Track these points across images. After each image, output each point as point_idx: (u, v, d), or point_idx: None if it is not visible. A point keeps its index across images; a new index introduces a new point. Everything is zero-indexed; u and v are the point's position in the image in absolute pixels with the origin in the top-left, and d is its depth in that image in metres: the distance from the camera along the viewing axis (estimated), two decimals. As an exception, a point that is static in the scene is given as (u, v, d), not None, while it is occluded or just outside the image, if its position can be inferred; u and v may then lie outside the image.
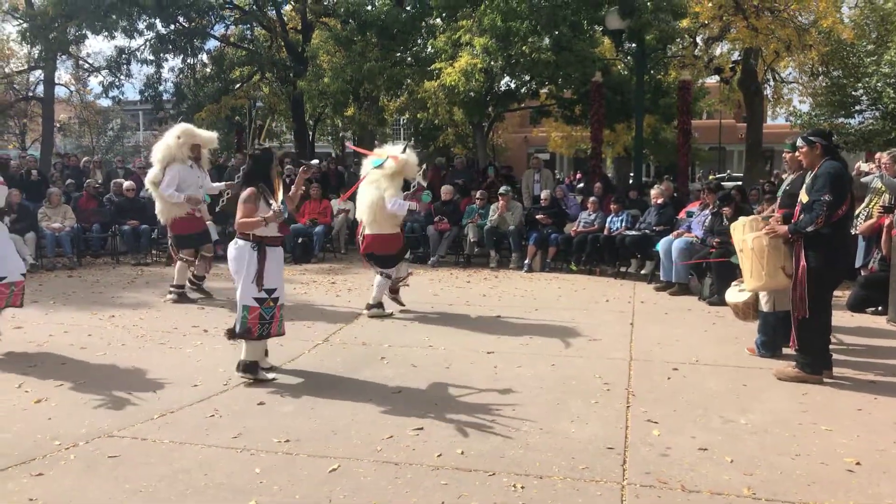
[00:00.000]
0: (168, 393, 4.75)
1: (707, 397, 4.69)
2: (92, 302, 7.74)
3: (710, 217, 8.08)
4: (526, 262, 10.08)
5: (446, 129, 18.76)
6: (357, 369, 5.32)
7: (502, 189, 10.77)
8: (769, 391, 4.82)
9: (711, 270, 7.66)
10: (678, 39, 13.78)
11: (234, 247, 4.97)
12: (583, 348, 5.94)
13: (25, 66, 22.27)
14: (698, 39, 16.20)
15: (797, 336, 4.97)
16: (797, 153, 5.15)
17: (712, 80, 19.05)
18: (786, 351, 5.43)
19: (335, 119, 21.48)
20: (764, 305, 5.50)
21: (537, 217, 10.33)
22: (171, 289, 7.78)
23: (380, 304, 7.13)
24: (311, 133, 21.79)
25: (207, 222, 8.09)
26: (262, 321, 4.92)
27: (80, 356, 5.60)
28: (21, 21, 20.23)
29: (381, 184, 6.78)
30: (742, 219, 5.49)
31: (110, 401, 4.58)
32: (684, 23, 13.58)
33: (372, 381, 5.03)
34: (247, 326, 4.91)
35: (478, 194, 11.12)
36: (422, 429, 4.12)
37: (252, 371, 4.99)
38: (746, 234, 5.22)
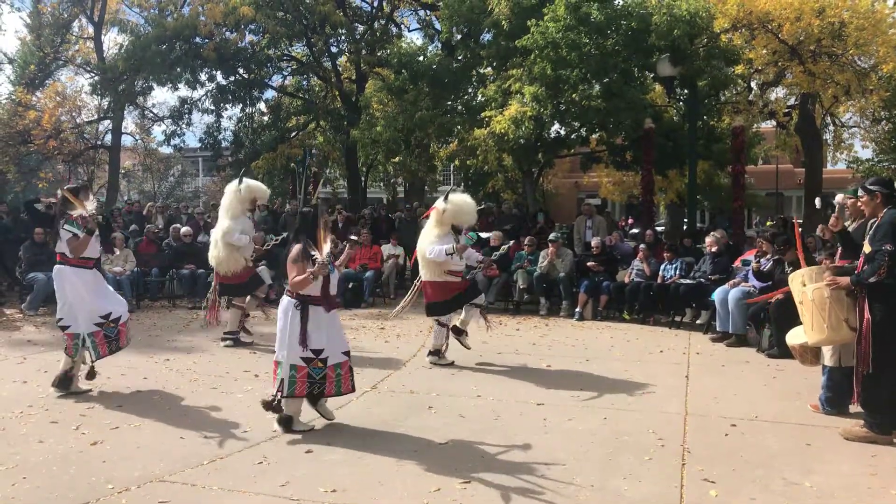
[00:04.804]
0: (218, 438, 4.80)
1: (768, 456, 4.49)
2: (148, 345, 7.93)
3: (769, 264, 7.84)
4: (577, 310, 9.93)
5: (496, 175, 18.88)
6: (405, 418, 5.28)
7: (553, 235, 10.71)
8: (835, 452, 4.58)
9: (771, 321, 7.40)
10: (731, 85, 13.63)
11: (282, 302, 4.99)
12: (636, 401, 5.78)
13: (95, 117, 23.40)
14: (752, 84, 16.00)
15: (863, 393, 4.73)
16: (858, 202, 4.99)
17: (768, 125, 18.75)
18: (853, 409, 5.17)
19: (386, 166, 21.89)
20: (828, 360, 5.27)
21: (588, 264, 10.21)
22: (225, 335, 7.93)
23: (438, 352, 7.11)
24: (363, 179, 22.25)
25: (258, 269, 8.32)
26: (311, 381, 4.88)
27: (136, 400, 5.72)
28: (93, 74, 21.42)
29: (426, 233, 6.96)
30: (801, 269, 5.30)
31: (162, 445, 4.65)
32: (738, 69, 13.44)
33: (419, 431, 4.98)
34: (294, 387, 4.86)
35: (527, 240, 11.08)
36: (469, 482, 4.04)
37: (286, 425, 4.93)
38: (807, 286, 5.05)
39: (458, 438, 4.83)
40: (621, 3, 12.62)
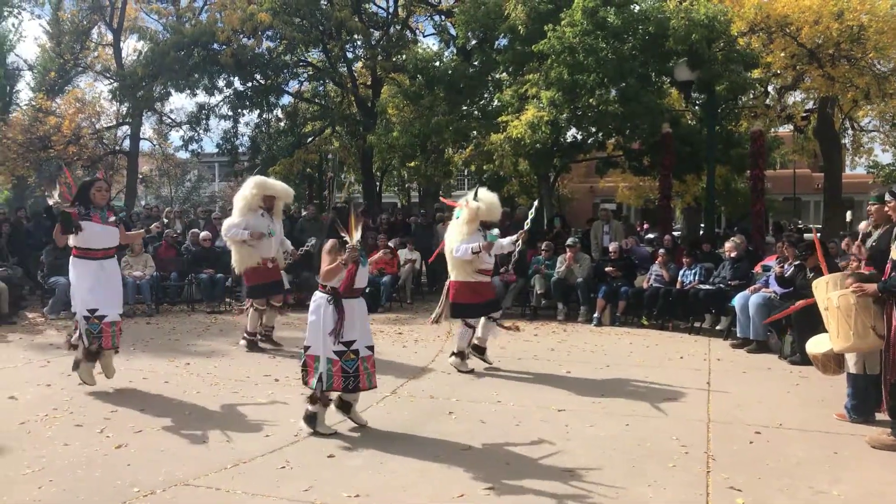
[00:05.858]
0: (240, 442, 4.81)
1: (793, 465, 4.44)
2: (169, 349, 7.98)
3: (791, 269, 7.77)
4: (595, 315, 9.88)
5: (511, 179, 18.87)
6: (425, 424, 5.27)
7: (570, 240, 10.68)
8: (862, 460, 4.53)
9: (793, 327, 7.32)
10: (749, 90, 13.53)
11: (314, 298, 5.03)
12: (657, 408, 5.73)
13: (114, 122, 23.65)
14: (770, 89, 15.90)
15: (891, 401, 4.67)
16: (886, 207, 4.94)
17: (785, 130, 18.60)
18: (880, 417, 5.10)
19: (401, 171, 21.94)
20: (853, 367, 5.21)
21: (607, 270, 10.16)
22: (245, 335, 7.96)
23: (462, 354, 7.05)
24: (378, 184, 22.30)
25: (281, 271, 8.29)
26: (346, 375, 4.92)
27: (158, 403, 5.75)
28: (112, 80, 21.66)
29: (455, 229, 6.86)
30: (825, 276, 5.24)
31: (186, 449, 4.67)
32: (756, 73, 13.35)
33: (440, 437, 4.97)
34: (332, 381, 4.90)
35: (544, 245, 11.05)
36: (493, 488, 4.03)
37: (310, 422, 5.00)
38: (831, 292, 4.99)
39: (479, 444, 4.82)
40: (638, 8, 12.58)
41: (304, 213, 13.90)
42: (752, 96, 14.61)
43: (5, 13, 24.42)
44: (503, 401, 5.93)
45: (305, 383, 5.04)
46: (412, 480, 4.15)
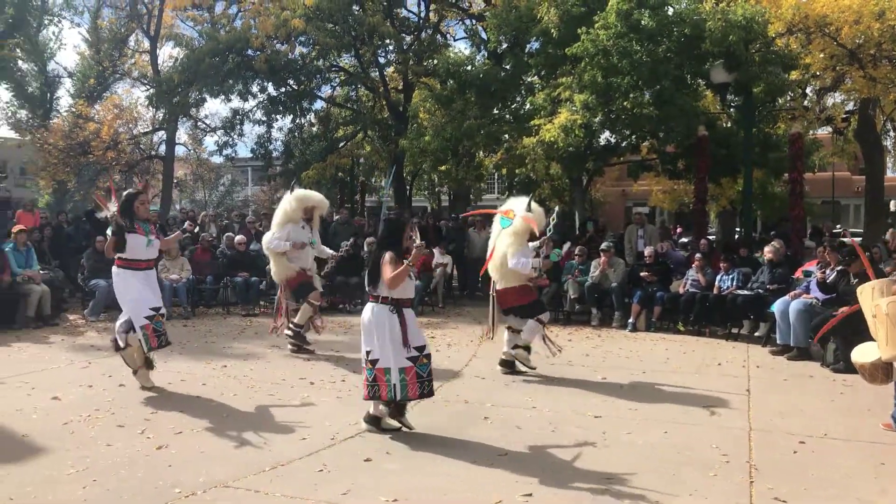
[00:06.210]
0: (278, 445, 4.84)
1: (840, 475, 4.32)
2: (206, 352, 8.08)
3: (833, 275, 7.60)
4: (630, 321, 9.77)
5: (542, 183, 18.77)
6: (461, 428, 5.25)
7: (604, 245, 10.58)
8: (912, 472, 4.39)
9: (836, 334, 7.15)
10: (787, 91, 13.29)
11: (371, 311, 4.98)
12: (696, 415, 5.64)
13: (150, 128, 24.11)
14: (808, 91, 15.60)
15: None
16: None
17: (824, 132, 18.22)
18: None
19: (431, 175, 21.99)
20: (901, 375, 5.07)
21: (641, 274, 10.04)
22: (291, 325, 7.96)
23: (528, 348, 7.00)
24: (408, 188, 22.38)
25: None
26: (420, 379, 4.94)
27: (196, 405, 5.82)
28: (148, 87, 22.08)
29: (505, 240, 6.76)
30: (872, 282, 5.11)
31: (225, 451, 4.72)
32: (794, 74, 13.10)
33: (476, 442, 4.95)
34: (406, 389, 4.92)
35: (577, 250, 10.96)
36: (531, 495, 4.00)
37: (374, 423, 5.09)
38: (879, 299, 4.86)
39: (516, 450, 4.78)
40: (673, 10, 12.44)
41: (336, 217, 13.99)
42: (790, 98, 14.35)
43: (46, 22, 25.08)
44: (538, 406, 5.88)
45: (377, 397, 4.98)
46: (449, 485, 4.14)
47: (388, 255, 4.95)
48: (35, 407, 5.64)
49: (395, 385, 4.90)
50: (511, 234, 6.75)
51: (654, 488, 4.08)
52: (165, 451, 4.66)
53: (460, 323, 10.39)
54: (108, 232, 6.12)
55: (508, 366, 7.09)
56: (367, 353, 5.00)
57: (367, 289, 5.09)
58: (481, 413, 5.68)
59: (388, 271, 4.88)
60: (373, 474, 4.32)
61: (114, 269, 6.14)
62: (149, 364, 6.27)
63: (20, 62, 23.82)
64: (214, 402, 5.94)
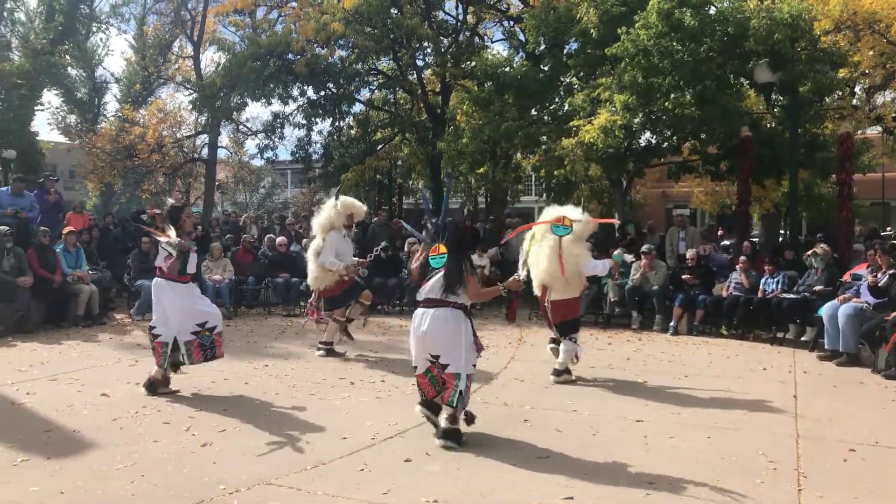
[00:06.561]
0: (319, 444, 4.89)
1: (893, 485, 4.20)
2: (248, 351, 8.21)
3: (885, 279, 7.37)
4: (671, 324, 9.62)
5: (580, 185, 18.62)
6: (500, 430, 5.23)
7: (645, 247, 10.43)
8: (971, 483, 4.23)
9: (887, 340, 6.93)
10: (836, 90, 12.95)
11: (448, 317, 4.87)
12: (741, 420, 5.52)
13: (193, 132, 24.63)
14: (857, 89, 15.17)
15: None
16: None
17: (874, 132, 17.70)
18: None
19: (468, 177, 22.00)
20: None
21: (683, 277, 9.88)
22: (321, 345, 8.03)
23: (567, 371, 6.88)
24: (445, 190, 22.41)
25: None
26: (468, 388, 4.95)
27: (239, 404, 5.92)
28: (191, 91, 22.55)
29: (572, 249, 6.59)
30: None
31: (267, 449, 4.78)
32: (842, 73, 12.76)
33: (516, 444, 4.93)
34: (465, 398, 4.91)
35: (617, 252, 10.83)
36: (572, 498, 3.96)
37: (455, 439, 4.88)
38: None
39: (556, 453, 4.74)
40: (715, 9, 12.22)
41: (374, 219, 14.07)
42: (838, 97, 13.99)
43: (94, 29, 25.84)
44: (578, 410, 5.83)
45: (454, 405, 4.86)
46: (490, 487, 4.12)
47: (467, 265, 4.92)
48: (85, 403, 5.81)
49: (461, 391, 4.83)
50: (576, 241, 6.61)
51: (699, 495, 4.01)
52: (210, 449, 4.75)
53: (498, 325, 10.36)
54: (169, 249, 6.02)
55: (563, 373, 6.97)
56: (436, 358, 4.89)
57: (439, 295, 4.88)
58: (521, 416, 5.65)
59: (475, 287, 4.95)
60: (413, 475, 4.33)
61: (162, 282, 6.11)
62: (166, 382, 6.23)
63: (69, 68, 24.57)
64: (257, 400, 6.03)
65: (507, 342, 8.94)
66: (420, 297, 5.04)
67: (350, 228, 8.12)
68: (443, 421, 4.88)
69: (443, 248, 4.92)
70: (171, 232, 6.11)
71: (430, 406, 5.04)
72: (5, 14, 18.87)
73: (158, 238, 6.10)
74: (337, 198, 8.01)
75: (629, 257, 10.55)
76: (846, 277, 8.60)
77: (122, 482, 4.13)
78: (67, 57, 23.17)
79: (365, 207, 8.51)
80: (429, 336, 4.88)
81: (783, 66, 11.20)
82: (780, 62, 11.18)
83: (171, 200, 6.45)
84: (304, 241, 12.57)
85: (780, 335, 8.99)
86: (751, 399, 6.14)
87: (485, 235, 14.27)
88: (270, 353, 8.10)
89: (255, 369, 7.23)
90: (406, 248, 11.56)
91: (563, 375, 6.79)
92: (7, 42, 20.14)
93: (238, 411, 5.65)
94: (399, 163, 21.96)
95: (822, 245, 9.13)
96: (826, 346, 7.90)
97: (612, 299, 10.29)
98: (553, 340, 6.96)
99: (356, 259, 8.26)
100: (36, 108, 20.61)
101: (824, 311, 7.89)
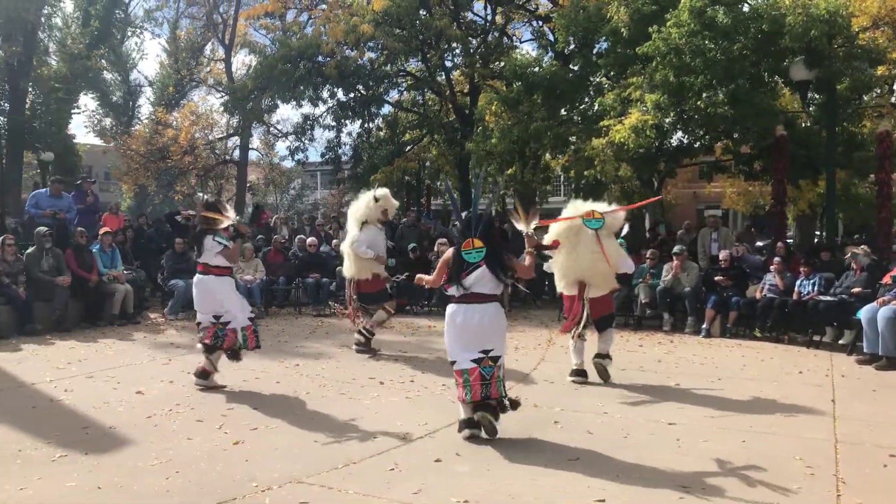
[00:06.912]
0: (349, 443, 4.91)
1: (938, 492, 4.07)
2: (279, 350, 8.28)
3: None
4: (704, 326, 9.49)
5: (610, 185, 18.48)
6: (530, 432, 5.20)
7: (677, 248, 10.30)
8: None
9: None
10: (875, 88, 12.66)
11: (498, 311, 4.96)
12: (777, 424, 5.42)
13: (225, 134, 24.97)
14: (896, 87, 14.80)
15: None
16: None
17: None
18: None
19: (496, 177, 21.96)
20: None
21: (716, 279, 9.73)
22: (363, 330, 8.05)
23: (609, 356, 6.91)
24: (473, 190, 22.40)
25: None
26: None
27: (271, 402, 5.97)
28: (223, 94, 22.87)
29: (609, 241, 6.59)
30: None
31: (298, 447, 4.81)
32: (881, 70, 12.47)
33: (546, 445, 4.89)
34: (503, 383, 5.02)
35: (648, 253, 10.72)
36: (604, 501, 3.92)
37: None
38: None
39: (588, 455, 4.69)
40: (748, 6, 12.03)
41: (403, 219, 14.11)
42: (876, 95, 13.67)
43: (129, 33, 26.34)
44: (609, 412, 5.77)
45: (504, 396, 4.95)
46: (520, 489, 4.10)
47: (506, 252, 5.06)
48: (121, 400, 5.91)
49: (502, 379, 4.99)
50: (608, 235, 6.59)
51: (734, 498, 3.94)
52: (242, 447, 4.80)
53: (527, 326, 10.32)
54: (223, 241, 6.18)
55: (583, 375, 6.88)
56: (488, 351, 4.89)
57: (490, 290, 4.90)
58: (551, 417, 5.61)
59: (521, 265, 5.18)
60: (443, 475, 4.33)
61: (203, 277, 6.28)
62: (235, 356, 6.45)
63: (105, 72, 25.08)
64: (288, 399, 6.08)
65: (537, 343, 8.89)
66: (459, 292, 4.91)
67: (384, 223, 8.22)
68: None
69: (477, 242, 4.88)
70: (231, 213, 6.29)
71: (485, 408, 4.94)
72: (43, 20, 19.33)
73: (221, 224, 6.18)
74: (376, 191, 8.05)
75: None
76: (886, 279, 8.39)
77: (156, 478, 4.19)
78: (103, 61, 23.65)
79: (397, 203, 8.64)
80: (487, 328, 4.91)
81: (819, 64, 10.99)
82: (816, 59, 10.97)
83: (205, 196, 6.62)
84: (334, 241, 12.67)
85: (816, 338, 8.81)
86: (786, 403, 6.03)
87: (512, 236, 14.23)
88: (301, 353, 8.16)
89: (286, 368, 7.30)
90: (436, 248, 11.57)
91: (606, 359, 6.82)
92: (45, 47, 20.63)
93: (269, 410, 5.70)
94: (427, 164, 22.00)
95: (862, 246, 8.92)
96: (865, 350, 7.72)
97: (643, 301, 10.18)
98: (576, 373, 6.83)
99: (386, 258, 8.34)
100: (73, 111, 21.11)
101: (863, 313, 7.71)
